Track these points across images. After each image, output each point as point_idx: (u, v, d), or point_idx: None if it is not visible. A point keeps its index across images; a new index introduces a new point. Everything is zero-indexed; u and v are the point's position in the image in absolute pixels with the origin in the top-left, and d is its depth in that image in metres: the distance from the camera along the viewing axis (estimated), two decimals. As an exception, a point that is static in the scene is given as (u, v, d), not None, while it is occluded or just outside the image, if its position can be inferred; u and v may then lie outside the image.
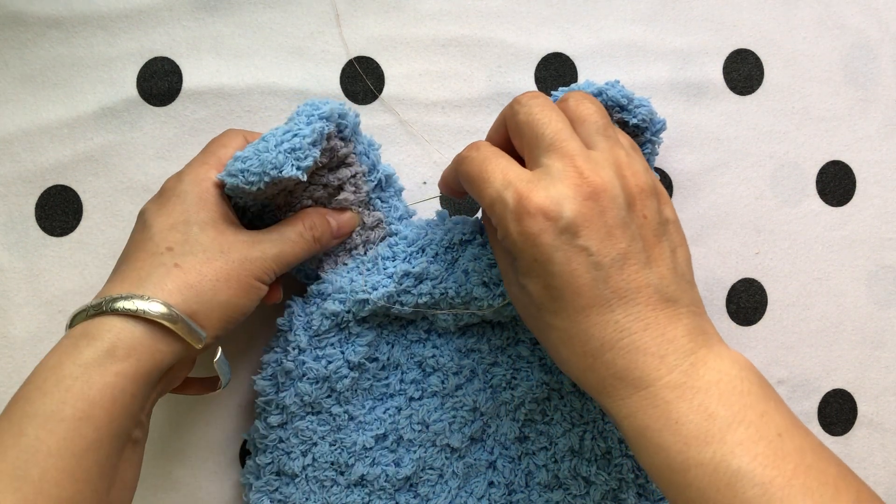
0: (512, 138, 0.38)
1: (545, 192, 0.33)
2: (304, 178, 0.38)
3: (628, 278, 0.33)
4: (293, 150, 0.37)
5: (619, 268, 0.33)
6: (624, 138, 0.38)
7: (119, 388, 0.34)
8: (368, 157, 0.43)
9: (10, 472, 0.31)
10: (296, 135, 0.38)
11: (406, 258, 0.43)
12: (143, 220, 0.39)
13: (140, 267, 0.37)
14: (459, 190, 0.41)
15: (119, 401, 0.34)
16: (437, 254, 0.43)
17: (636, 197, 0.35)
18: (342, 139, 0.41)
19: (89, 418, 0.33)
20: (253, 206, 0.41)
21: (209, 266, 0.37)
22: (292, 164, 0.37)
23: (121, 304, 0.35)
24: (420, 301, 0.43)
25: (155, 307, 0.35)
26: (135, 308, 0.34)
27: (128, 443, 0.35)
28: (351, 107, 0.48)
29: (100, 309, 0.35)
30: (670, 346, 0.33)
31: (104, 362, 0.34)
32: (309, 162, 0.38)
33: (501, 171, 0.35)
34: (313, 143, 0.38)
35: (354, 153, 0.42)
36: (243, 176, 0.37)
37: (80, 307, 0.36)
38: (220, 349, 0.40)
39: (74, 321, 0.35)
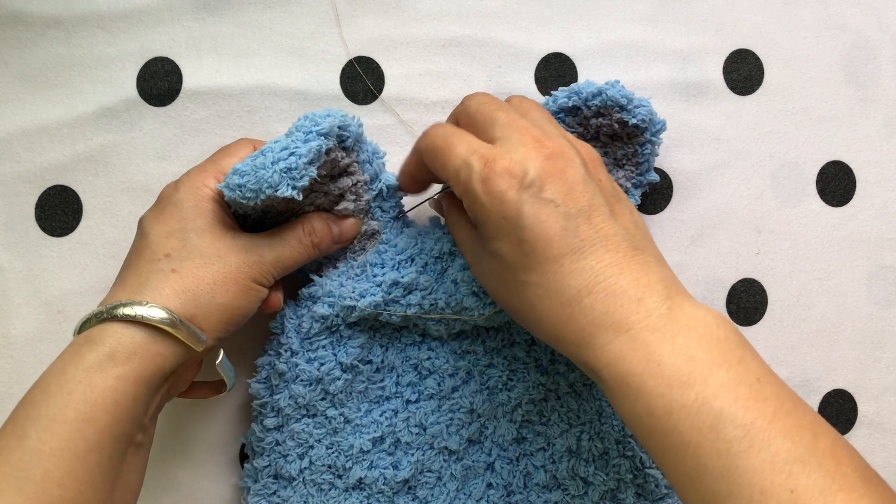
0: (466, 130, 0.39)
1: (509, 155, 0.35)
2: (300, 198, 0.37)
3: (596, 227, 0.34)
4: (289, 169, 0.37)
5: (586, 217, 0.34)
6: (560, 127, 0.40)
7: (120, 391, 0.34)
8: (371, 166, 0.42)
9: (13, 472, 0.32)
10: (293, 153, 0.37)
11: (395, 266, 0.43)
12: (141, 228, 0.40)
13: (139, 273, 0.37)
14: (422, 177, 0.42)
15: (120, 404, 0.34)
16: (426, 264, 0.43)
17: (589, 163, 0.37)
18: (344, 149, 0.41)
19: (91, 420, 0.33)
20: (253, 213, 0.41)
21: (206, 270, 0.38)
22: (288, 184, 0.37)
23: (121, 311, 0.35)
24: (409, 311, 0.43)
25: (154, 312, 0.35)
26: (134, 314, 0.35)
27: (130, 446, 0.36)
28: (351, 109, 0.48)
29: (102, 316, 0.35)
30: (647, 289, 0.33)
31: (105, 366, 0.34)
32: (305, 182, 0.37)
33: (466, 142, 0.37)
34: (310, 163, 0.37)
35: (357, 162, 0.42)
36: (240, 191, 0.37)
37: (85, 316, 0.36)
38: (221, 351, 0.40)
39: (81, 329, 0.36)
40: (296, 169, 0.37)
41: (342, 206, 0.42)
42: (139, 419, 0.36)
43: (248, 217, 0.42)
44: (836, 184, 0.50)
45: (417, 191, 0.43)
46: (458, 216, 0.41)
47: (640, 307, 0.33)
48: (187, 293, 0.37)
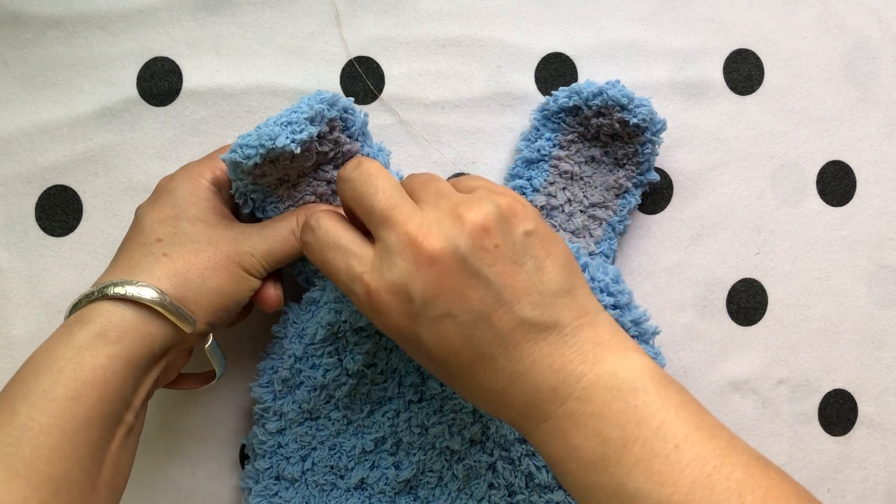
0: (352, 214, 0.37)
1: (389, 277, 0.33)
2: (298, 151, 0.38)
3: (499, 324, 0.33)
4: (289, 123, 0.38)
5: (485, 320, 0.33)
6: (468, 181, 0.37)
7: (110, 369, 0.34)
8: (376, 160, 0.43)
9: (2, 448, 0.32)
10: (294, 111, 0.38)
11: None
12: (136, 216, 0.40)
13: (131, 256, 0.38)
14: None
15: (110, 382, 0.34)
16: None
17: (479, 235, 0.33)
18: (348, 136, 0.41)
19: (80, 398, 0.33)
20: (254, 193, 0.41)
21: (197, 256, 0.38)
22: (287, 136, 0.38)
23: (112, 290, 0.36)
24: None
25: (145, 291, 0.36)
26: (125, 292, 0.35)
27: (120, 426, 0.36)
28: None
29: (93, 296, 0.36)
30: (559, 375, 0.32)
31: (95, 345, 0.34)
32: (304, 136, 0.38)
33: (344, 262, 0.34)
34: (310, 120, 0.38)
35: (361, 153, 0.42)
36: (241, 150, 0.38)
37: (76, 297, 0.37)
38: (211, 336, 0.40)
39: (72, 311, 0.36)
40: (296, 123, 0.38)
41: None
42: (128, 399, 0.36)
43: (249, 199, 0.42)
44: (837, 184, 0.50)
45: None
46: None
47: (555, 396, 0.32)
48: (178, 276, 0.37)
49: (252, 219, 0.43)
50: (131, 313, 0.35)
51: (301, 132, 0.38)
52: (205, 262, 0.38)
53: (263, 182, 0.40)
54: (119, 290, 0.35)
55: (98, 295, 0.36)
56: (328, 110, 0.39)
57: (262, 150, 0.38)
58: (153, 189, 0.41)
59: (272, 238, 0.40)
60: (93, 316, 0.35)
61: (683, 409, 0.32)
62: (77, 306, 0.36)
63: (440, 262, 0.32)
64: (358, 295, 0.34)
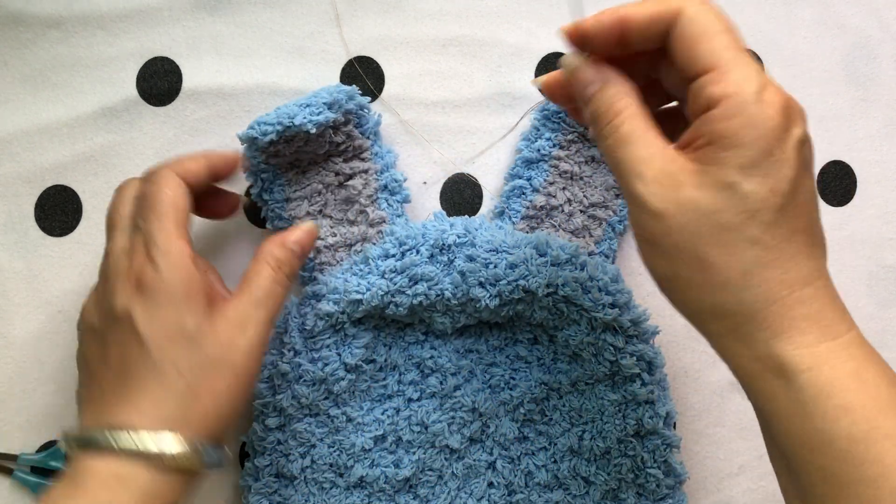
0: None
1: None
2: (315, 131, 0.40)
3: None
4: (307, 105, 0.40)
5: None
6: None
7: None
8: (383, 159, 0.44)
9: None
10: (314, 96, 0.41)
11: (398, 257, 0.43)
12: (130, 327, 0.35)
13: (155, 397, 0.34)
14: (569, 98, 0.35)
15: None
16: (432, 255, 0.43)
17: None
18: (360, 132, 0.43)
19: None
20: (265, 173, 0.42)
21: (221, 383, 0.35)
22: (304, 116, 0.40)
23: (148, 446, 0.33)
24: (415, 302, 0.42)
25: (193, 460, 0.34)
26: (174, 460, 0.33)
27: None
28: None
29: (123, 445, 0.33)
30: (843, 309, 0.31)
31: None
32: (321, 118, 0.40)
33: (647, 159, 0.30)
34: (328, 105, 0.40)
35: (371, 151, 0.44)
36: (259, 127, 0.40)
37: (94, 434, 0.34)
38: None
39: (87, 442, 0.34)
40: (314, 105, 0.40)
41: (351, 183, 0.43)
42: None
43: (259, 179, 0.42)
44: (837, 184, 0.50)
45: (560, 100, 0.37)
46: (641, 121, 0.31)
47: (844, 318, 0.30)
48: (208, 417, 0.35)
49: (255, 211, 0.43)
50: (173, 479, 0.34)
51: (319, 114, 0.40)
52: (230, 388, 0.35)
53: (275, 162, 0.42)
54: (167, 452, 0.33)
55: (136, 451, 0.33)
56: (346, 101, 0.41)
57: (279, 128, 0.39)
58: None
59: (264, 301, 0.37)
60: (128, 484, 0.33)
61: None
62: (93, 443, 0.33)
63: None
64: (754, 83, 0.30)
